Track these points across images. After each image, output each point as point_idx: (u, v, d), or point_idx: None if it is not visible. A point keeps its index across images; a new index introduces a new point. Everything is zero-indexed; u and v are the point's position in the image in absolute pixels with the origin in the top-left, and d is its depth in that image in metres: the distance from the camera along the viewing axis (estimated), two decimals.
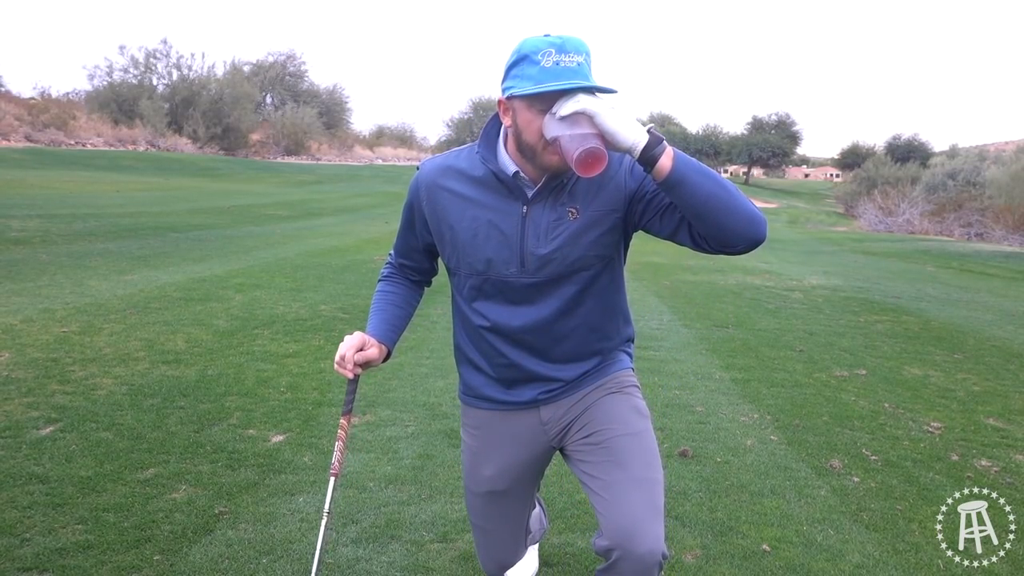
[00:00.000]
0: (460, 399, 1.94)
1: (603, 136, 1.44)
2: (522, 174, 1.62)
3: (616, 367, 1.82)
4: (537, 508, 2.32)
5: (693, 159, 1.48)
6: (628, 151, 1.45)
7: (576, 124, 1.44)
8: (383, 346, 1.80)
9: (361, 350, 1.74)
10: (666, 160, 1.44)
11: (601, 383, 1.79)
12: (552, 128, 1.47)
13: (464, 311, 1.79)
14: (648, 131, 1.45)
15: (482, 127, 1.70)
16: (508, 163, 1.62)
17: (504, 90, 1.54)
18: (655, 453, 1.71)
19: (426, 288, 2.01)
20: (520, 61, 1.49)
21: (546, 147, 1.52)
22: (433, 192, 1.70)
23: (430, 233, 1.76)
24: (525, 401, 1.78)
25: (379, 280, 1.95)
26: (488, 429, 1.86)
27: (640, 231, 1.70)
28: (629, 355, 1.88)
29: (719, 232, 1.49)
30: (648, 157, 1.44)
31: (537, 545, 2.45)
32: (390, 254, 1.97)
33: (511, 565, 2.07)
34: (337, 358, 1.73)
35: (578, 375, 1.77)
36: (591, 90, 1.45)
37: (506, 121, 1.58)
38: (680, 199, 1.48)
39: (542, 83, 1.44)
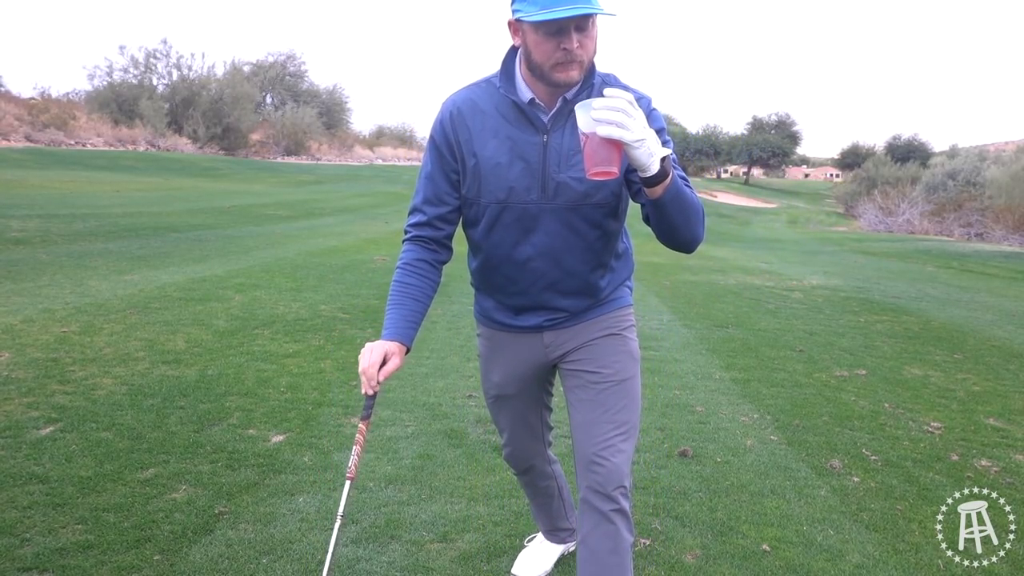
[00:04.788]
0: (475, 315, 2.13)
1: (623, 150, 1.48)
2: (537, 100, 1.71)
3: (618, 303, 1.98)
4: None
5: (685, 191, 1.60)
6: (639, 168, 1.52)
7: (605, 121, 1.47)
8: (403, 346, 1.84)
9: (384, 361, 1.77)
10: (659, 189, 1.56)
11: (602, 318, 1.94)
12: (586, 122, 1.48)
13: (478, 242, 1.89)
14: (663, 161, 1.52)
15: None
16: (524, 90, 1.72)
17: (513, 12, 1.62)
18: (637, 397, 1.91)
19: (446, 262, 1.95)
20: None
21: (555, 65, 1.61)
22: (458, 123, 1.79)
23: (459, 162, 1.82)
24: (531, 326, 1.95)
25: (398, 267, 1.91)
26: (496, 342, 2.06)
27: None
28: (630, 289, 2.04)
29: (660, 236, 1.72)
30: (647, 180, 1.54)
31: (563, 548, 2.47)
32: (412, 216, 1.91)
33: (531, 461, 2.26)
34: (362, 370, 1.75)
35: (583, 308, 1.91)
36: (589, 14, 1.53)
37: (516, 40, 1.68)
38: (649, 209, 1.65)
39: (547, 7, 1.52)
